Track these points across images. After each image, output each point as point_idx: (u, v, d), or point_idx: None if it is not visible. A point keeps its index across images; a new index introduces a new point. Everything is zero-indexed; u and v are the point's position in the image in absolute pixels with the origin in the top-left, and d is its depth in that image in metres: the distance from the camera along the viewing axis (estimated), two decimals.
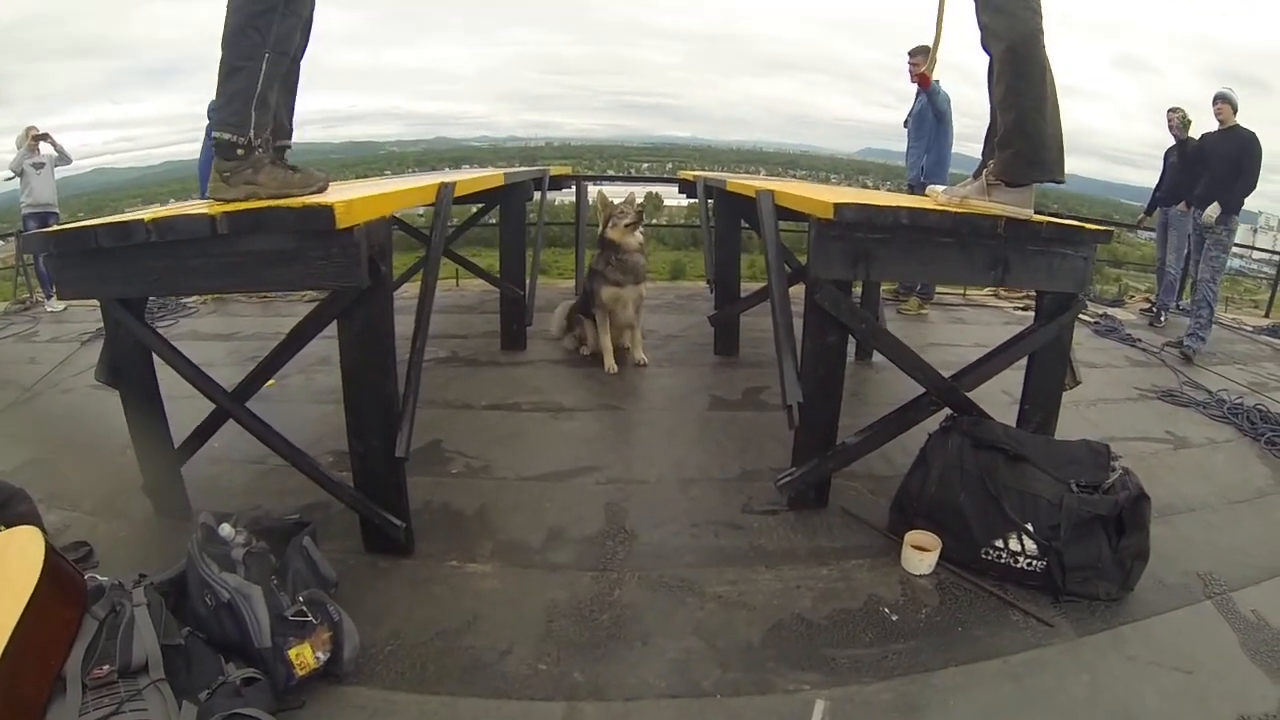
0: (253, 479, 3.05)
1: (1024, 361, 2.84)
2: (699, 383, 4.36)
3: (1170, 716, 1.92)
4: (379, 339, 2.35)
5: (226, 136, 2.27)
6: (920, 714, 1.93)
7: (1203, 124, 6.18)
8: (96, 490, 2.95)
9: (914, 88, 6.17)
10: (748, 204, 3.70)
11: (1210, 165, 5.95)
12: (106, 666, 1.67)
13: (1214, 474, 3.51)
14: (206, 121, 4.70)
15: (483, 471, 3.20)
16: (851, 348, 3.40)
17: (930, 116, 6.13)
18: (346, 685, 1.94)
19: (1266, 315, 8.77)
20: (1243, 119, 5.83)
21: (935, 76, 5.85)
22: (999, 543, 2.39)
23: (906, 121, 6.48)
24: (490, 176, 4.24)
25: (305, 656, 1.87)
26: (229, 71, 2.26)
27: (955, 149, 6.30)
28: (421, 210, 3.15)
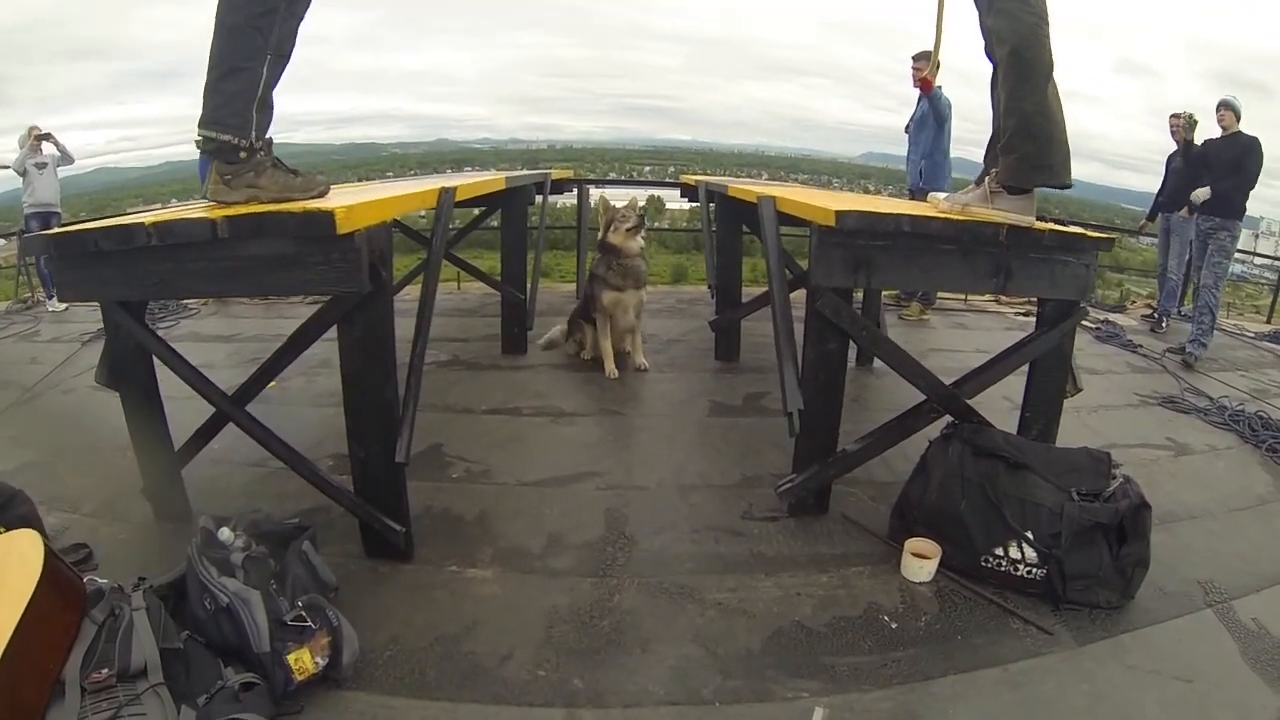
0: (252, 482, 3.04)
1: (1025, 368, 2.83)
2: (700, 388, 4.36)
3: None
4: (379, 344, 2.35)
5: (227, 138, 2.26)
6: None
7: (1207, 129, 6.20)
8: (96, 492, 2.95)
9: (916, 92, 6.18)
10: (749, 209, 3.70)
11: (1212, 170, 5.96)
12: (105, 670, 1.67)
13: (1215, 481, 3.50)
14: None
15: (483, 476, 3.19)
16: (852, 353, 3.40)
17: (931, 121, 6.14)
18: (345, 690, 1.94)
19: (1268, 321, 8.77)
20: (1244, 123, 5.85)
21: (937, 82, 5.88)
22: (999, 550, 2.39)
23: (908, 127, 6.49)
24: (491, 180, 4.24)
25: (304, 661, 1.87)
26: (228, 72, 2.25)
27: (956, 153, 6.31)
28: (423, 213, 3.15)
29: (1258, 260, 16.79)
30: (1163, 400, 4.68)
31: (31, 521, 2.36)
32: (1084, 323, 2.83)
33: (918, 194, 6.18)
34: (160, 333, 4.69)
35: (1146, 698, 1.99)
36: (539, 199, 5.66)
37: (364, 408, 2.41)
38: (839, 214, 2.38)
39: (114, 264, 2.21)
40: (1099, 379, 4.99)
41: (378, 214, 2.25)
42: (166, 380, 2.63)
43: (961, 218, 2.54)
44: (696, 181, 5.67)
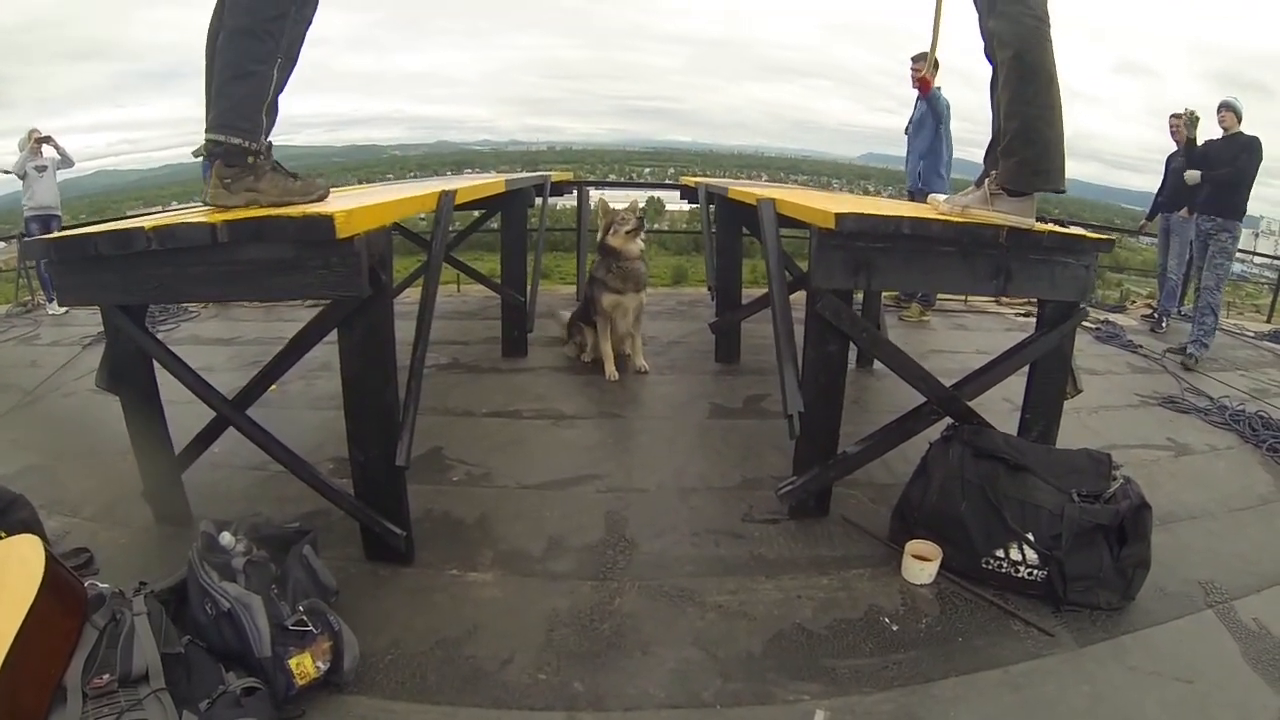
0: (253, 485, 3.04)
1: (1025, 369, 2.83)
2: (700, 390, 4.36)
3: None
4: (380, 347, 2.35)
5: (238, 141, 2.26)
6: None
7: (1208, 129, 6.21)
8: (97, 496, 2.96)
9: (915, 93, 6.19)
10: (749, 211, 3.70)
11: (1213, 169, 5.97)
12: (107, 676, 1.67)
13: (1215, 481, 3.51)
14: None
15: (483, 479, 3.19)
16: (853, 355, 3.39)
17: (930, 122, 6.14)
18: (347, 695, 1.94)
19: (1268, 320, 8.77)
20: (1245, 123, 5.86)
21: (936, 83, 5.88)
22: (1000, 552, 2.39)
23: (908, 128, 6.49)
24: (491, 183, 4.24)
25: (305, 666, 1.87)
26: (237, 75, 2.24)
27: (955, 154, 6.31)
28: (423, 216, 3.16)
29: (1257, 259, 16.80)
30: (1163, 400, 4.68)
31: (32, 526, 2.36)
32: (1084, 323, 2.83)
33: (917, 195, 6.18)
34: (160, 336, 4.70)
35: (1147, 699, 1.99)
36: (539, 201, 5.65)
37: (364, 411, 2.41)
38: (838, 216, 2.38)
39: (114, 268, 2.21)
40: (1099, 379, 4.99)
41: (377, 218, 2.26)
42: (167, 384, 2.63)
43: (961, 220, 2.54)
44: (696, 183, 5.67)
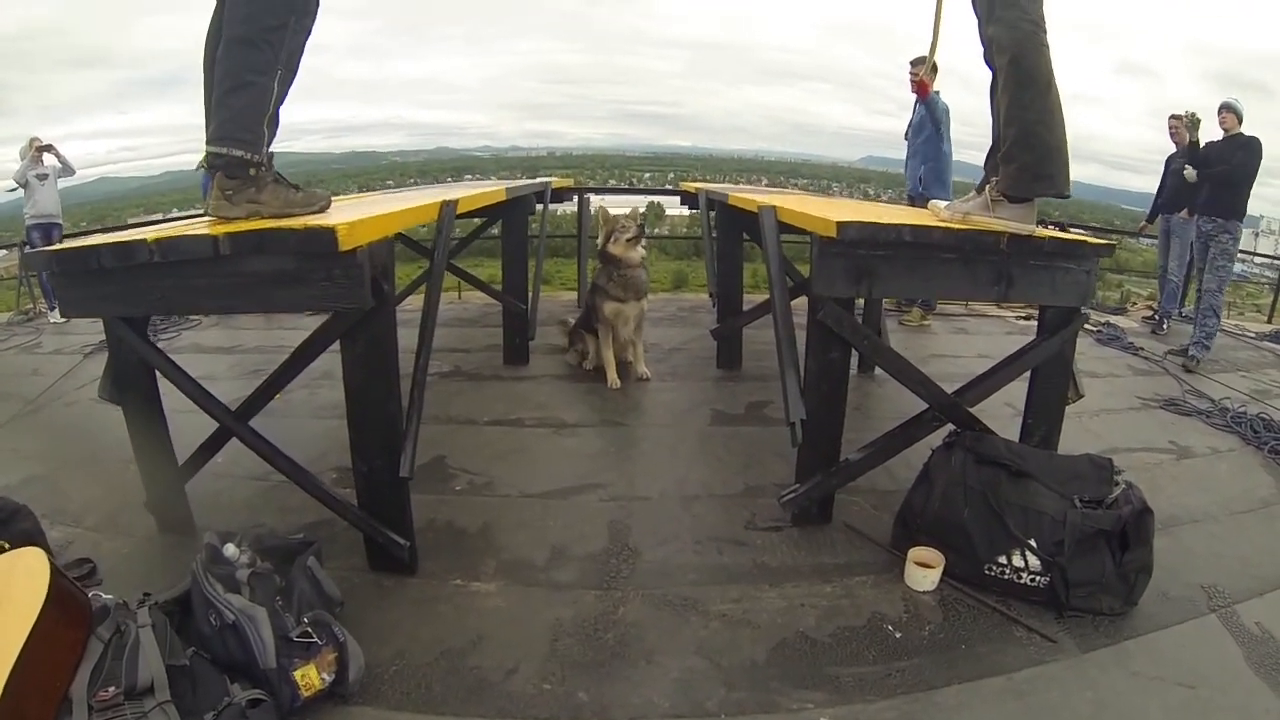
0: (255, 495, 3.05)
1: (1026, 374, 2.84)
2: (701, 397, 4.36)
3: None
4: (382, 358, 2.36)
5: (239, 153, 2.26)
6: None
7: (1209, 129, 6.23)
8: (100, 506, 2.96)
9: (915, 97, 6.20)
10: (750, 217, 3.70)
11: (1213, 170, 5.99)
12: (112, 688, 1.67)
13: (1217, 484, 3.51)
14: None
15: (486, 488, 3.20)
16: (855, 361, 3.40)
17: (929, 126, 6.15)
18: (352, 706, 1.94)
19: (1269, 320, 8.79)
20: (1245, 123, 5.89)
21: (935, 87, 5.89)
22: (1002, 559, 2.39)
23: (907, 132, 6.50)
24: (492, 192, 4.24)
25: (310, 678, 1.88)
26: (237, 86, 2.24)
27: (956, 157, 6.32)
28: (424, 223, 3.17)
29: (1257, 259, 16.81)
30: (1164, 403, 4.69)
31: (35, 536, 2.38)
32: (1085, 326, 2.83)
33: (917, 200, 6.19)
34: (162, 344, 4.73)
35: (1150, 704, 1.99)
36: (539, 207, 5.66)
37: (367, 422, 2.41)
38: (840, 225, 2.38)
39: (116, 280, 2.21)
40: (1100, 382, 5.01)
41: (379, 230, 2.26)
42: (170, 393, 2.63)
43: (962, 226, 2.54)
44: (696, 189, 5.68)
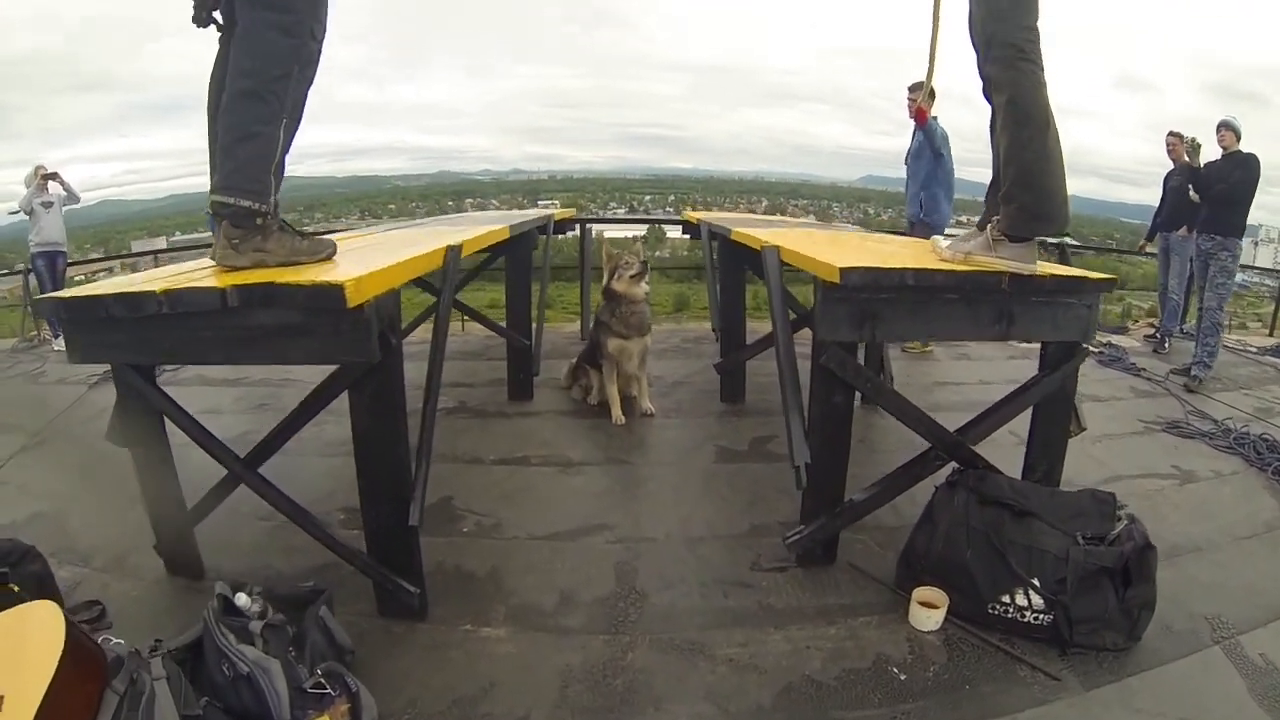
0: (262, 535, 3.05)
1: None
2: (705, 433, 4.36)
3: None
4: (390, 408, 2.38)
5: (246, 204, 2.27)
6: None
7: (1208, 149, 6.27)
8: (107, 546, 2.98)
9: (913, 120, 6.24)
10: (752, 250, 3.71)
11: (1212, 189, 6.04)
12: None
13: (1221, 509, 3.52)
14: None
15: (494, 530, 3.21)
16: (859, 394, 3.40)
17: (928, 152, 6.19)
18: None
19: (1271, 333, 8.78)
20: (1244, 133, 5.94)
21: (933, 112, 5.92)
22: (1006, 598, 2.41)
23: (907, 158, 6.53)
24: (496, 231, 4.25)
25: None
26: (243, 136, 2.26)
27: (956, 173, 6.34)
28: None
29: (1257, 269, 16.79)
30: (1167, 426, 4.70)
31: (44, 579, 2.40)
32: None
33: (917, 226, 6.23)
34: (167, 375, 4.73)
35: None
36: (543, 238, 5.67)
37: (376, 470, 2.44)
38: (843, 271, 2.39)
39: (124, 329, 2.22)
40: (1103, 406, 5.03)
41: (386, 283, 2.28)
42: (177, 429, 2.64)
43: (964, 268, 2.56)
44: (698, 220, 5.67)
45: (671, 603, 2.68)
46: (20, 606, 1.89)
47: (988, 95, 2.56)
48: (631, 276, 4.39)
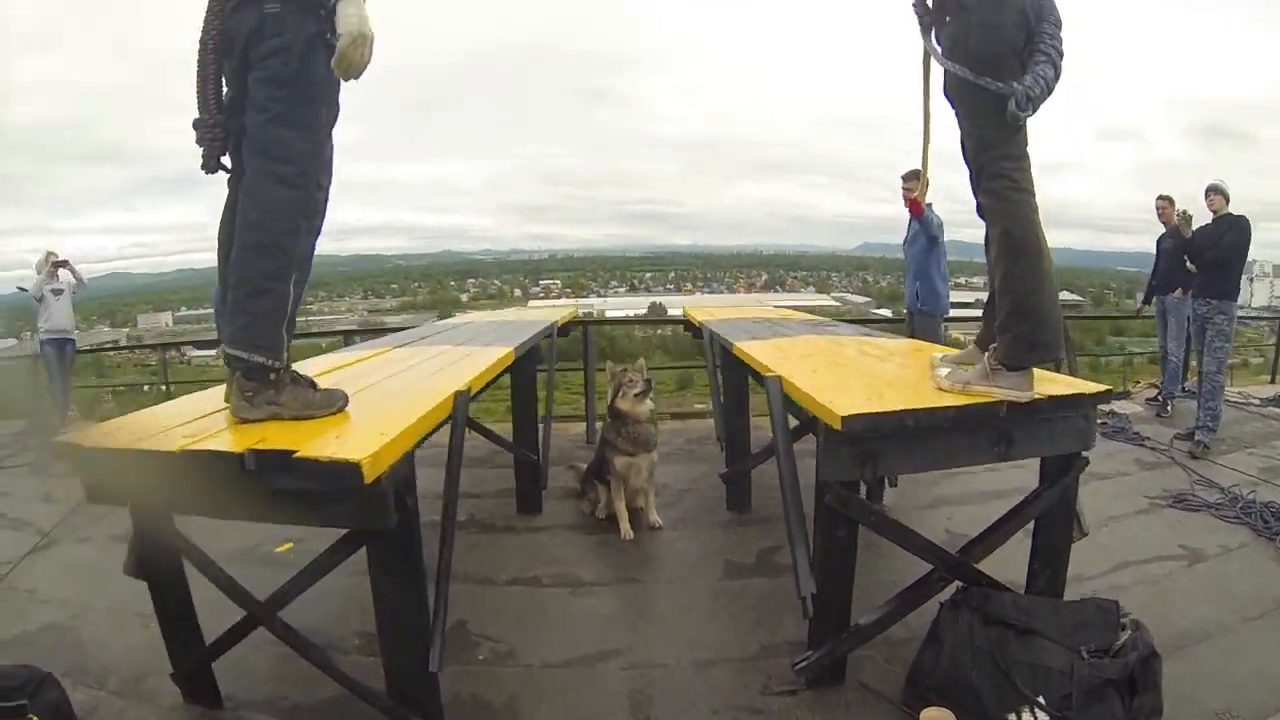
0: (278, 663, 2.99)
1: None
2: (712, 546, 4.33)
3: None
4: (408, 563, 2.41)
5: (259, 360, 2.31)
6: None
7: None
8: (122, 667, 2.99)
9: (908, 211, 6.39)
10: None
11: (1205, 255, 6.18)
12: None
13: (1229, 588, 3.54)
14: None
15: (509, 657, 3.21)
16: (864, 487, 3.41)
17: (923, 240, 6.33)
18: None
19: (1272, 380, 8.79)
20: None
21: (927, 200, 6.06)
22: (1012, 717, 2.41)
23: (904, 246, 6.69)
24: (502, 359, 4.26)
25: None
26: (254, 292, 2.31)
27: (949, 236, 6.48)
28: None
29: (1253, 307, 16.93)
30: (1173, 500, 4.73)
31: (62, 707, 2.43)
32: None
33: (917, 316, 6.35)
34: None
35: None
36: (547, 340, 5.70)
37: (394, 621, 2.46)
38: (845, 419, 2.43)
39: (143, 480, 2.25)
40: (1108, 484, 5.05)
41: (400, 450, 2.30)
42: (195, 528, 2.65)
43: (963, 401, 2.60)
44: (701, 323, 5.72)
45: None
46: None
47: (981, 216, 2.68)
48: (635, 395, 4.45)
